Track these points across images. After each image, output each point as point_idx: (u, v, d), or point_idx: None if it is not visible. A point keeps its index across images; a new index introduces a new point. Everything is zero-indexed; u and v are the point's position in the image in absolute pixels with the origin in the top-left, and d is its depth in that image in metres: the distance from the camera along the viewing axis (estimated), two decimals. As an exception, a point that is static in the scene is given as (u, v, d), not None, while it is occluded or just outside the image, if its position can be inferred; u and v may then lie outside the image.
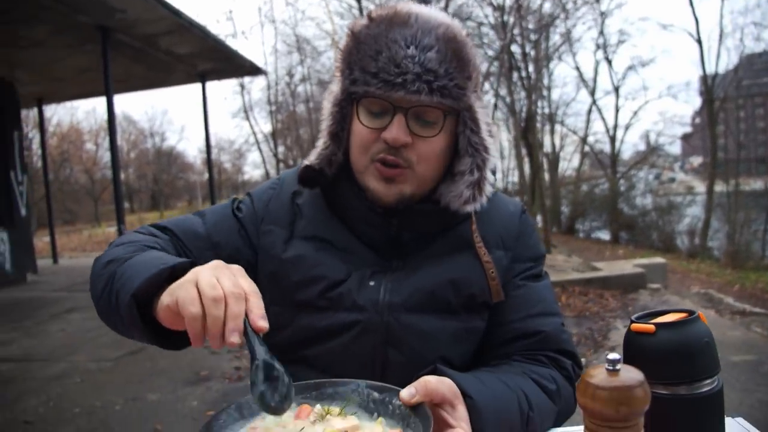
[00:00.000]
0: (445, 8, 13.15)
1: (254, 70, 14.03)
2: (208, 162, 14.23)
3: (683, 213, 17.02)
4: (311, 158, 1.12)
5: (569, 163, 20.58)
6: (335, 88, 1.10)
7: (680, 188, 24.43)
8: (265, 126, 28.23)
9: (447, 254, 1.11)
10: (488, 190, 1.08)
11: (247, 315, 0.73)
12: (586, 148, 19.98)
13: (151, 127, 44.94)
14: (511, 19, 13.43)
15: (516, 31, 13.45)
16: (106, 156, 39.20)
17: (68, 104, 30.28)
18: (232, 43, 11.76)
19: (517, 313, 1.12)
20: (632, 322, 0.75)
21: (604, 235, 17.92)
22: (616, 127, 19.28)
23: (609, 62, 18.93)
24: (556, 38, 17.09)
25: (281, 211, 1.16)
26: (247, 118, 20.85)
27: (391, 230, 1.09)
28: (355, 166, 1.09)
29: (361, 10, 13.41)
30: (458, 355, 1.09)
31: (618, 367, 0.56)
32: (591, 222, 18.91)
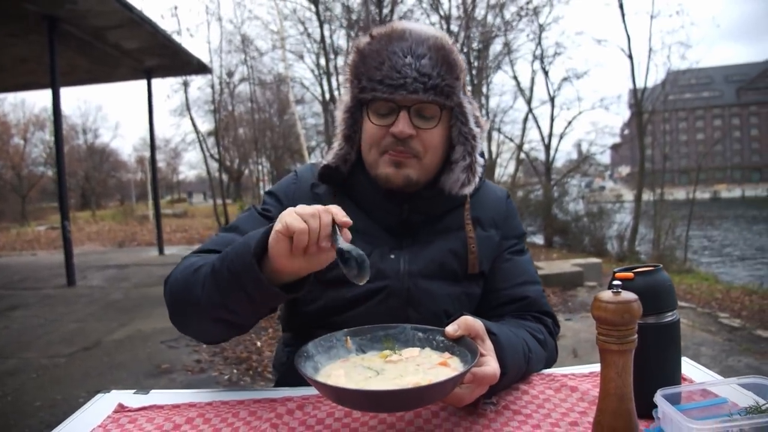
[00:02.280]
0: (390, 14, 13.48)
1: (201, 68, 13.92)
2: (152, 160, 13.98)
3: (613, 219, 17.86)
4: (328, 158, 1.33)
5: (505, 169, 21.14)
6: (346, 98, 1.32)
7: (610, 196, 25.63)
8: (202, 126, 27.75)
9: (450, 232, 1.34)
10: (479, 171, 1.32)
11: (334, 221, 0.96)
12: (522, 155, 20.60)
13: (84, 123, 43.29)
14: (456, 29, 13.92)
15: (461, 40, 13.93)
16: (35, 151, 37.43)
17: (-6, 96, 28.80)
18: (177, 40, 11.62)
19: (506, 282, 1.37)
20: (615, 272, 1.00)
21: (539, 240, 18.58)
22: (551, 135, 19.96)
23: (546, 73, 19.64)
24: (497, 48, 17.70)
25: (304, 202, 1.34)
26: (190, 117, 20.49)
27: (403, 214, 1.31)
28: (367, 160, 1.30)
29: (318, 14, 13.56)
30: None
31: (620, 290, 0.81)
32: (526, 227, 19.53)
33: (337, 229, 0.96)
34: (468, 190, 1.31)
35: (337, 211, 0.98)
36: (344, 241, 0.95)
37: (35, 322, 6.49)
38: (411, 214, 1.31)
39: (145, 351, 5.20)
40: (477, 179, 1.31)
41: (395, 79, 1.19)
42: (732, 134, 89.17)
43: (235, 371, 4.62)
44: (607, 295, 0.81)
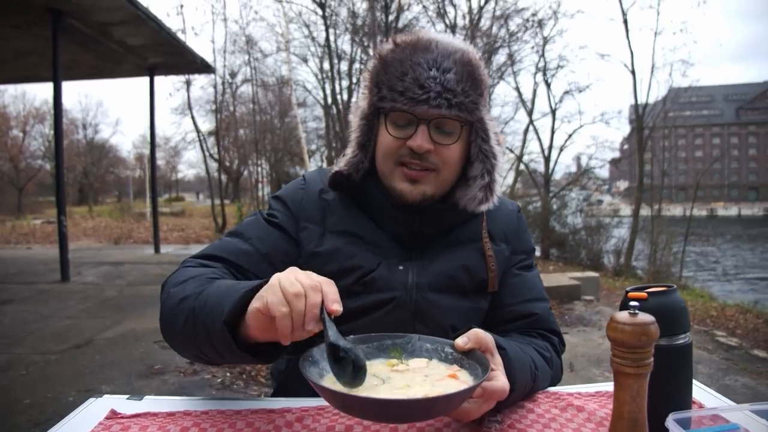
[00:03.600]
0: (396, 21, 13.52)
1: (204, 68, 13.91)
2: (152, 158, 13.95)
3: (610, 233, 17.84)
4: (340, 165, 1.29)
5: (504, 180, 21.05)
6: (362, 104, 1.27)
7: (607, 210, 25.61)
8: (203, 125, 27.77)
9: (461, 245, 1.31)
10: (498, 191, 1.29)
11: (323, 302, 0.87)
12: (522, 167, 20.59)
13: (84, 118, 43.32)
14: (462, 38, 13.94)
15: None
16: (33, 144, 37.40)
17: (-6, 88, 28.77)
18: (181, 39, 11.62)
19: (514, 298, 1.34)
20: (627, 291, 0.98)
21: (536, 252, 18.47)
22: (551, 147, 19.91)
23: (548, 85, 19.61)
24: (501, 58, 17.73)
25: (313, 208, 1.32)
26: (191, 116, 20.50)
27: (414, 226, 1.27)
28: (382, 170, 1.27)
29: (325, 18, 13.58)
30: None
31: (637, 312, 0.78)
32: (524, 238, 19.39)
33: (327, 313, 0.87)
34: (485, 207, 1.28)
35: (329, 291, 0.88)
36: (336, 331, 0.87)
37: (27, 317, 6.43)
38: (423, 226, 1.28)
39: (138, 351, 5.15)
40: (495, 199, 1.28)
41: (417, 93, 1.15)
42: (730, 153, 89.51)
43: (228, 374, 4.57)
44: (623, 316, 0.78)
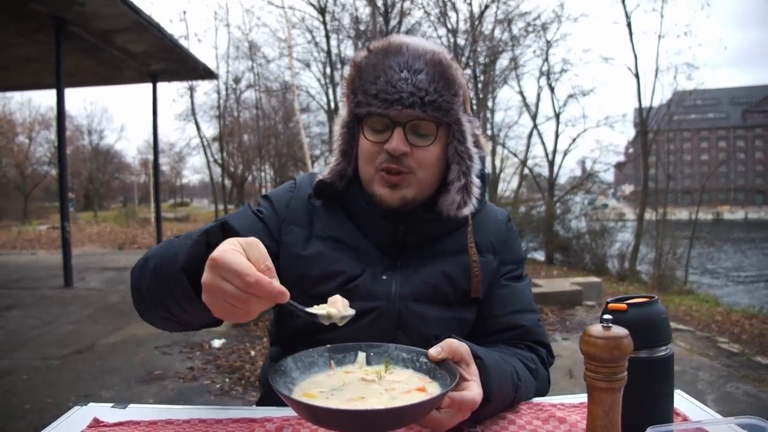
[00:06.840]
0: (398, 25, 13.52)
1: (207, 74, 13.97)
2: (155, 164, 14.00)
3: (615, 238, 17.74)
4: (324, 173, 1.31)
5: (508, 184, 20.97)
6: (343, 112, 1.30)
7: (612, 214, 25.48)
8: (207, 131, 27.80)
9: (446, 255, 1.30)
10: (476, 192, 1.27)
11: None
12: (526, 171, 20.49)
13: (89, 124, 43.60)
14: (463, 43, 13.96)
15: (468, 54, 13.96)
16: (39, 150, 37.63)
17: None
18: (184, 45, 11.67)
19: (502, 309, 1.32)
20: (608, 303, 0.97)
21: (540, 256, 18.46)
22: (555, 152, 19.79)
23: (552, 89, 19.51)
24: (503, 63, 17.68)
25: (300, 212, 1.33)
26: (195, 121, 20.52)
27: (398, 235, 1.27)
28: (363, 176, 1.27)
29: (325, 24, 13.63)
30: None
31: (610, 325, 0.77)
32: (528, 243, 19.43)
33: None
34: (464, 212, 1.26)
35: (265, 289, 0.82)
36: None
37: (30, 322, 6.45)
38: (407, 235, 1.28)
39: (139, 356, 5.16)
40: (474, 201, 1.27)
41: (390, 94, 1.17)
42: (737, 156, 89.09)
43: (227, 380, 4.57)
44: (596, 329, 0.77)
